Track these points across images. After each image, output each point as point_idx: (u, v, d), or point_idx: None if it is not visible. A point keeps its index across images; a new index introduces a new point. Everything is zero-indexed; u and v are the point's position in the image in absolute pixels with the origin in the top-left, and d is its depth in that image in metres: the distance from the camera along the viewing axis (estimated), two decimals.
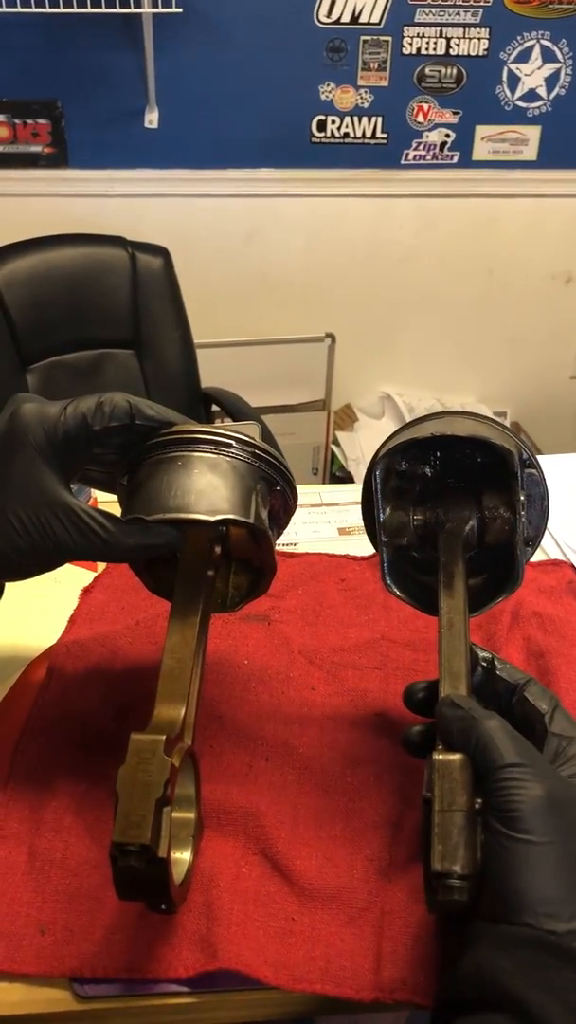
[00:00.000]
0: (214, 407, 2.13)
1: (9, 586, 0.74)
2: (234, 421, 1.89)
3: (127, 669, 0.74)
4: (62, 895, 0.56)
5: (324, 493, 0.98)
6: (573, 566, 0.85)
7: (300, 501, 0.96)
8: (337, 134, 2.39)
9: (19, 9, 1.94)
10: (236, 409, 2.03)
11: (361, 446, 2.56)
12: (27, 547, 0.56)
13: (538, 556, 0.89)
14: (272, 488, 0.61)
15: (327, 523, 0.92)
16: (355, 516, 0.94)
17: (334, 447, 2.60)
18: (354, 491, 0.99)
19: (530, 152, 2.47)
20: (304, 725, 0.68)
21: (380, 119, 2.39)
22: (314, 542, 0.89)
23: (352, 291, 2.58)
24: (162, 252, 2.02)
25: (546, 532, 0.89)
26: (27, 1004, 0.53)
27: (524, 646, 0.75)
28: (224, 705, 0.69)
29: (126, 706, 0.69)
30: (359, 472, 2.46)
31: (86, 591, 0.83)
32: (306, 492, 0.99)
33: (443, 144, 2.44)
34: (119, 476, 0.62)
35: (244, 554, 0.63)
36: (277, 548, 0.64)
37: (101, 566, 0.86)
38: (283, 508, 0.63)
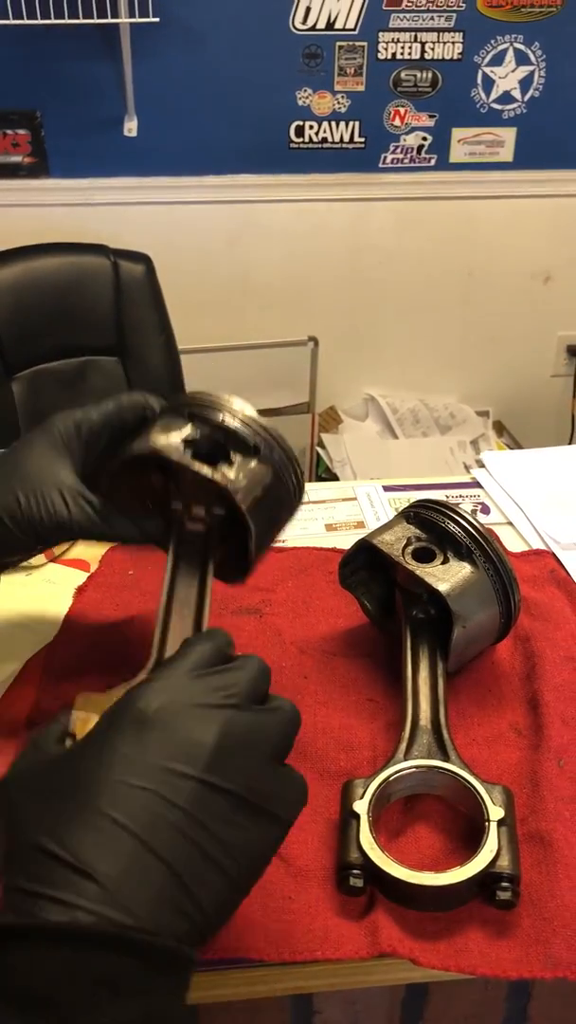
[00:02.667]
0: None
1: (4, 587, 0.76)
2: None
3: (122, 663, 0.75)
4: None
5: (312, 491, 1.00)
6: (554, 555, 0.87)
7: None
8: (315, 139, 2.41)
9: None
10: None
11: (346, 447, 2.58)
12: (24, 521, 0.61)
13: (520, 546, 0.91)
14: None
15: (314, 520, 0.94)
16: (341, 513, 0.96)
17: (319, 449, 2.62)
18: (340, 489, 1.02)
19: (506, 153, 2.50)
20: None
21: (357, 124, 2.41)
22: (303, 538, 0.90)
23: (334, 294, 2.61)
24: (144, 259, 2.03)
25: (527, 522, 0.91)
26: None
27: (512, 631, 0.76)
28: None
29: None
30: (344, 473, 2.48)
31: (80, 590, 0.84)
32: None
33: (420, 147, 2.47)
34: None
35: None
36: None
37: (94, 566, 0.88)
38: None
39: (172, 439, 0.62)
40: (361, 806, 0.59)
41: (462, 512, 0.72)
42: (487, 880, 0.56)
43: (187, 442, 0.62)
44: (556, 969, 0.54)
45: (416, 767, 0.62)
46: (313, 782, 0.64)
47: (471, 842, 0.58)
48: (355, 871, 0.56)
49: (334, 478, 2.51)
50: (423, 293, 2.65)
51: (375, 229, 2.54)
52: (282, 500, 0.65)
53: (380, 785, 0.60)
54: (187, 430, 0.63)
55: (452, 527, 0.71)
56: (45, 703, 0.71)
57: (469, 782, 0.60)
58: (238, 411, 0.64)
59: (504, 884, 0.56)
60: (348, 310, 2.63)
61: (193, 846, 0.43)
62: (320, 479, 2.59)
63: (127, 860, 0.42)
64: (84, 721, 0.51)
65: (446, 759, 0.62)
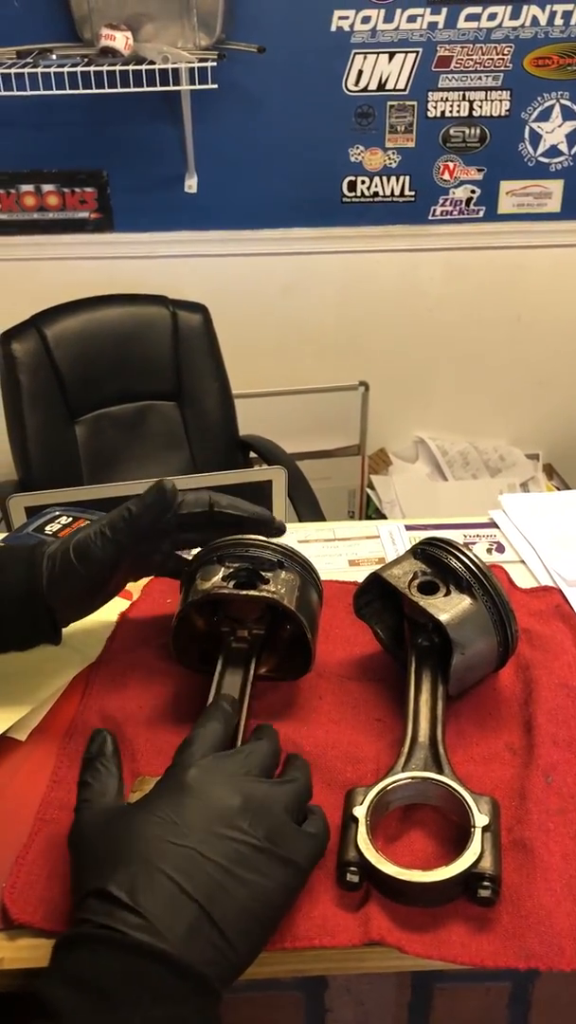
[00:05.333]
0: (252, 454, 2.24)
1: None
2: (269, 466, 2.00)
3: (160, 681, 0.83)
4: None
5: (337, 529, 1.08)
6: (561, 591, 0.93)
7: (316, 536, 1.05)
8: (367, 193, 2.52)
9: (68, 91, 2.10)
10: (272, 456, 2.14)
11: (395, 489, 2.65)
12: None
13: (529, 582, 0.97)
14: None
15: (339, 555, 1.02)
16: (364, 549, 1.03)
17: (369, 491, 2.69)
18: (364, 527, 1.09)
19: (554, 204, 2.58)
20: (311, 728, 0.77)
21: (408, 178, 2.51)
22: (327, 572, 0.97)
23: (384, 340, 2.69)
24: (201, 309, 2.14)
25: (538, 560, 0.98)
26: None
27: (513, 660, 0.82)
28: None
29: (156, 713, 0.79)
30: (393, 514, 2.55)
31: (123, 616, 0.93)
32: (321, 529, 1.09)
33: (469, 199, 2.55)
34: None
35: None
36: None
37: (136, 594, 0.96)
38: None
39: (214, 580, 0.77)
40: (360, 811, 0.66)
41: (464, 549, 0.79)
42: (470, 879, 0.62)
43: (225, 578, 0.77)
44: (530, 961, 0.60)
45: (412, 778, 0.68)
46: (322, 790, 0.71)
47: (461, 847, 0.65)
48: (352, 868, 0.63)
49: (383, 519, 2.58)
50: (472, 338, 2.72)
51: (425, 278, 2.63)
52: (312, 593, 0.80)
53: (379, 793, 0.67)
54: (221, 571, 0.78)
55: (454, 563, 0.78)
56: (85, 716, 0.79)
57: (459, 792, 0.66)
58: (254, 541, 0.79)
59: (485, 883, 0.62)
60: (398, 355, 2.71)
61: (222, 890, 0.54)
62: (369, 519, 2.66)
63: (165, 900, 0.53)
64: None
65: (440, 772, 0.69)
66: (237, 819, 0.58)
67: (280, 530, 0.82)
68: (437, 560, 0.79)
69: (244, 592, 0.76)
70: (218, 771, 0.61)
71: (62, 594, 0.76)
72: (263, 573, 0.77)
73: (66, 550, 0.75)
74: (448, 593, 0.77)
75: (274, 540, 0.79)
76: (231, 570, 0.77)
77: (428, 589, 0.78)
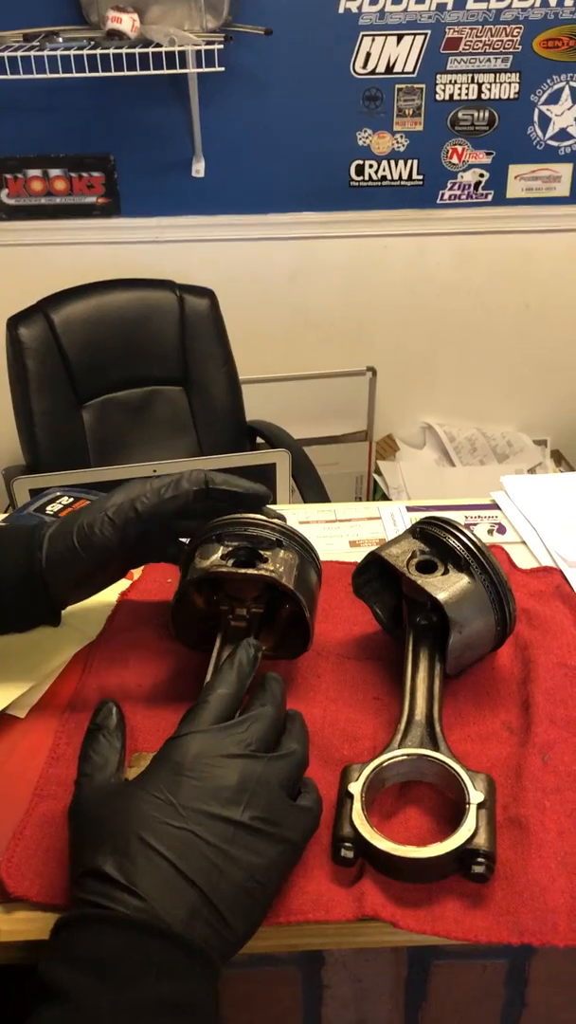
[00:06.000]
0: (258, 439, 2.24)
1: None
2: (273, 449, 2.00)
3: (160, 660, 0.84)
4: None
5: (338, 510, 1.08)
6: (562, 572, 0.93)
7: (317, 517, 1.05)
8: (375, 177, 2.51)
9: (75, 74, 2.10)
10: (278, 440, 2.14)
11: (402, 475, 2.65)
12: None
13: (530, 563, 0.97)
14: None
15: (340, 537, 1.02)
16: (366, 530, 1.03)
17: (376, 476, 2.69)
18: (365, 509, 1.09)
19: (563, 188, 2.56)
20: (309, 706, 0.77)
21: (416, 162, 2.50)
22: (327, 553, 0.98)
23: (392, 326, 2.69)
24: (208, 294, 2.14)
25: (539, 541, 0.97)
26: None
27: (512, 640, 0.82)
28: None
29: (155, 691, 0.79)
30: (400, 500, 2.54)
31: (123, 595, 0.93)
32: (322, 510, 1.09)
33: (477, 183, 2.54)
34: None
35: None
36: None
37: (137, 574, 0.96)
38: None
39: (213, 559, 0.76)
40: (355, 787, 0.66)
41: (462, 528, 0.78)
42: (464, 856, 0.62)
43: (224, 557, 0.77)
44: (522, 936, 0.60)
45: (407, 755, 0.69)
46: (319, 767, 0.72)
47: (456, 824, 0.65)
48: (347, 844, 0.63)
49: None
50: (480, 324, 2.71)
51: (433, 263, 2.62)
52: (310, 572, 0.79)
53: (374, 770, 0.67)
54: (220, 549, 0.77)
55: (452, 542, 0.78)
56: (85, 692, 0.79)
57: (454, 769, 0.66)
58: (253, 520, 0.78)
59: (480, 860, 0.62)
60: (406, 341, 2.71)
61: (219, 872, 0.55)
62: None
63: (163, 882, 0.53)
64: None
65: (436, 749, 0.69)
66: (234, 799, 0.58)
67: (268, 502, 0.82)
68: (436, 539, 0.79)
69: (242, 571, 0.76)
70: (217, 747, 0.60)
71: (61, 577, 0.76)
72: (262, 552, 0.77)
73: (68, 533, 0.75)
74: (446, 572, 0.77)
75: (274, 520, 0.79)
76: (230, 549, 0.77)
77: (426, 568, 0.78)
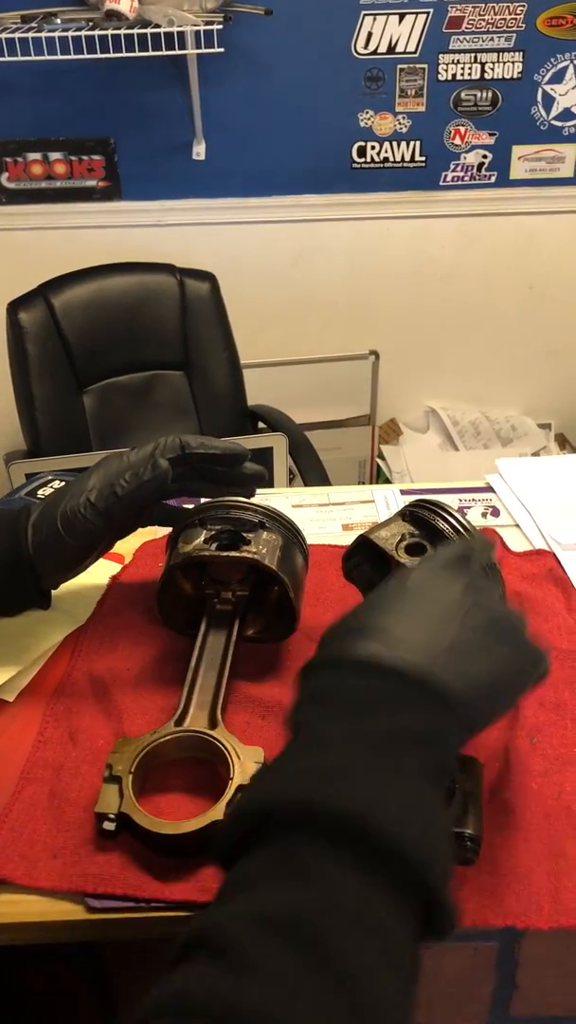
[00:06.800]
0: (260, 424, 2.23)
1: None
2: (270, 433, 2.00)
3: (148, 644, 0.83)
4: (73, 827, 0.65)
5: (332, 494, 1.07)
6: (555, 555, 0.92)
7: (311, 500, 1.05)
8: (377, 159, 2.48)
9: (74, 56, 2.08)
10: (279, 425, 2.13)
11: (406, 459, 2.64)
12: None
13: (524, 546, 0.96)
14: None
15: (332, 520, 1.01)
16: (359, 514, 1.03)
17: (379, 460, 2.68)
18: (359, 492, 1.08)
19: (567, 169, 2.53)
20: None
21: (418, 143, 2.47)
22: (320, 536, 0.97)
23: (395, 309, 2.67)
24: (209, 277, 2.13)
25: (533, 524, 0.97)
26: (47, 913, 0.62)
27: None
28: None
29: (143, 675, 0.79)
30: (403, 484, 2.53)
31: (114, 579, 0.93)
32: (316, 493, 1.08)
33: (480, 165, 2.52)
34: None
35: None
36: None
37: (128, 558, 0.96)
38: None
39: (196, 543, 0.77)
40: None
41: (451, 511, 0.78)
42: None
43: (207, 541, 0.77)
44: (507, 918, 0.60)
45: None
46: None
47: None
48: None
49: None
50: (484, 307, 2.69)
51: (436, 245, 2.60)
52: (295, 554, 0.79)
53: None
54: (203, 533, 0.78)
55: (441, 524, 0.77)
56: (73, 677, 0.79)
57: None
58: (236, 503, 0.79)
59: (466, 843, 0.61)
60: (409, 324, 2.69)
61: (479, 648, 0.55)
62: None
63: (420, 630, 0.55)
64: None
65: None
66: (480, 598, 0.59)
67: (246, 461, 0.81)
68: (425, 522, 0.79)
69: (225, 553, 0.76)
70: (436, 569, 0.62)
71: (48, 562, 0.76)
72: (245, 534, 0.77)
73: (52, 520, 0.75)
74: None
75: (256, 501, 0.79)
76: (212, 532, 0.77)
77: (416, 551, 0.78)
